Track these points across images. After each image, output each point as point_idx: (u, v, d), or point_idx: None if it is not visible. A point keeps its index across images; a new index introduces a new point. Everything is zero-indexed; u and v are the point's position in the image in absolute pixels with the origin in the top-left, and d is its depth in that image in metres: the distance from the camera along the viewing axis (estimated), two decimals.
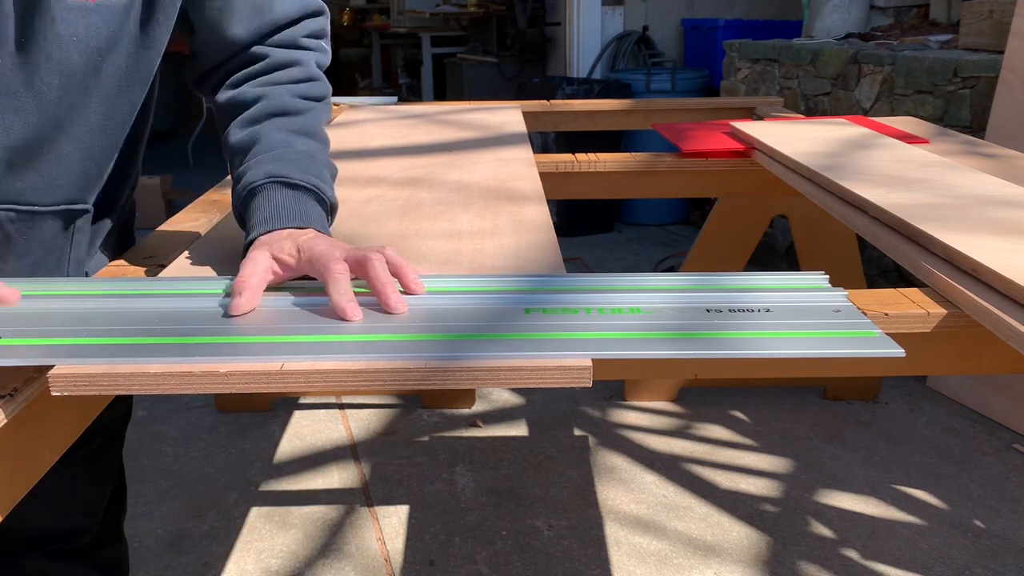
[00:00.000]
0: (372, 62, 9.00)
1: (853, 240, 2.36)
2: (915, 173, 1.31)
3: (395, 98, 2.69)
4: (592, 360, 0.65)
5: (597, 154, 1.77)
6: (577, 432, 2.37)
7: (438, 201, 1.18)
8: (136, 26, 0.83)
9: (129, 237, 1.09)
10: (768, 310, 0.76)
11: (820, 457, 2.23)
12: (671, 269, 3.60)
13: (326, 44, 1.01)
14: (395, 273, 0.76)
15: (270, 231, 0.81)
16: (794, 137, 1.63)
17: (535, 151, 1.58)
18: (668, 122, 2.19)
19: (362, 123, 1.93)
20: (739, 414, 2.45)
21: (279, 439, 2.35)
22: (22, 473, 0.70)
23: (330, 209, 0.88)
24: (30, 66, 0.78)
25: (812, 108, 3.24)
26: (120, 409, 1.13)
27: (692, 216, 4.41)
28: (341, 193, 0.93)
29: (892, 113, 2.84)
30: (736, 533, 1.93)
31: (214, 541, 1.93)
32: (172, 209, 4.41)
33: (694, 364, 1.03)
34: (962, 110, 2.61)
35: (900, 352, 0.69)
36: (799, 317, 0.75)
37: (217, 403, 2.52)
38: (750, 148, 1.68)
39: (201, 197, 1.42)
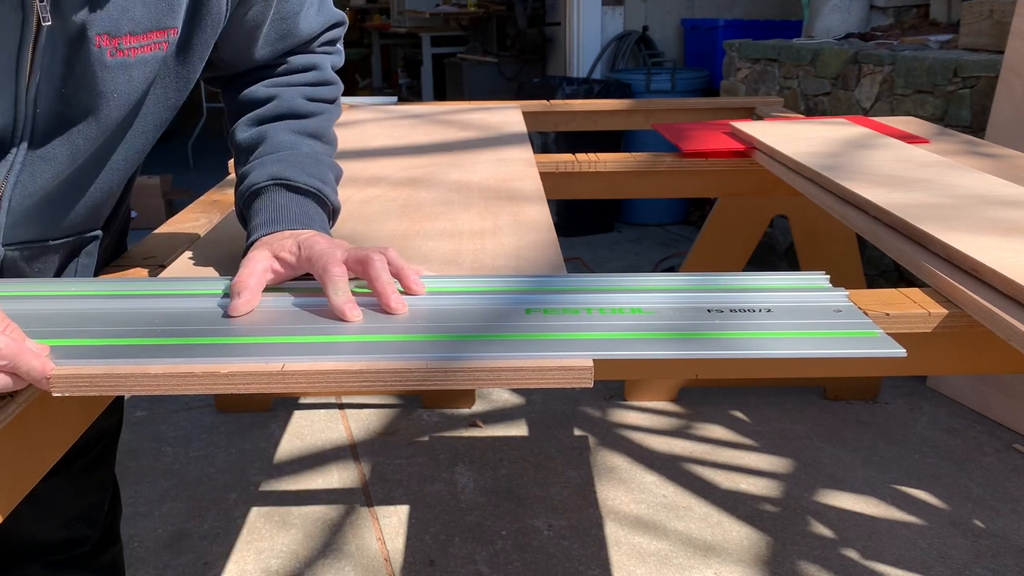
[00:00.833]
0: (372, 62, 9.00)
1: (853, 240, 2.36)
2: (915, 173, 1.31)
3: (395, 98, 2.69)
4: (593, 360, 0.65)
5: (597, 154, 1.77)
6: (577, 432, 2.37)
7: (438, 201, 1.18)
8: (172, 72, 0.83)
9: (122, 243, 1.08)
10: (769, 310, 0.76)
11: (820, 457, 2.23)
12: (671, 269, 3.60)
13: (340, 46, 1.02)
14: (396, 274, 0.76)
15: (271, 233, 0.81)
16: (794, 137, 1.63)
17: (535, 151, 1.58)
18: (668, 122, 2.19)
19: (362, 123, 1.93)
20: (739, 414, 2.45)
21: (279, 439, 2.35)
22: (23, 474, 0.70)
23: (332, 213, 0.88)
24: (68, 121, 0.77)
25: (812, 108, 3.24)
26: (117, 415, 1.13)
27: (692, 216, 4.41)
28: (342, 193, 0.93)
29: (892, 113, 2.84)
30: (736, 533, 1.93)
31: (214, 541, 1.93)
32: (172, 209, 4.41)
33: (694, 364, 1.03)
34: (962, 110, 2.61)
35: (901, 352, 0.69)
36: (800, 317, 0.75)
37: (217, 403, 2.52)
38: (750, 148, 1.68)
39: (201, 197, 1.42)
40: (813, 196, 1.35)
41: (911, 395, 2.54)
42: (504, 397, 2.58)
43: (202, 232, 1.16)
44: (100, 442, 1.09)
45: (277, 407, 2.52)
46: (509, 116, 2.01)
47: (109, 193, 0.87)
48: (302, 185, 0.84)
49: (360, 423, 2.43)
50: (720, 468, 2.19)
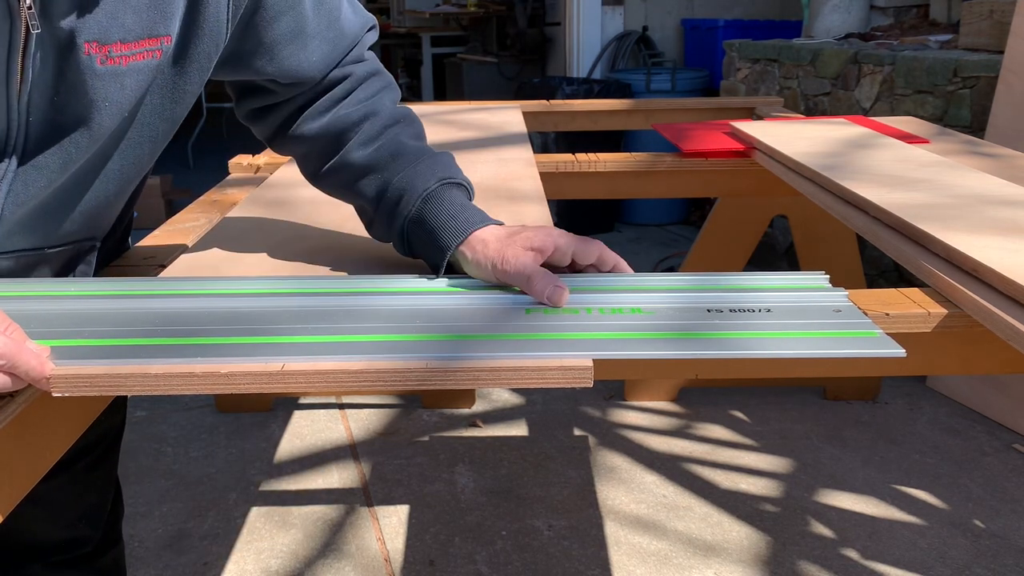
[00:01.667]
0: None
1: (853, 240, 2.36)
2: (915, 173, 1.31)
3: None
4: (593, 360, 0.65)
5: (597, 154, 1.77)
6: (577, 432, 2.37)
7: None
8: (168, 82, 0.81)
9: (123, 243, 1.08)
10: (769, 310, 0.76)
11: (820, 457, 2.23)
12: (671, 269, 3.60)
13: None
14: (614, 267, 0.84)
15: (480, 227, 0.83)
16: (794, 137, 1.63)
17: (535, 151, 1.58)
18: (668, 122, 2.19)
19: None
20: (739, 414, 2.45)
21: (279, 439, 2.35)
22: (23, 473, 0.70)
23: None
24: (60, 129, 0.76)
25: (812, 108, 3.24)
26: (120, 415, 1.13)
27: (692, 216, 4.41)
28: None
29: (892, 113, 2.84)
30: (736, 533, 1.93)
31: (214, 541, 1.93)
32: (172, 209, 4.41)
33: (694, 364, 1.03)
34: (962, 110, 2.61)
35: (901, 352, 0.69)
36: (800, 317, 0.75)
37: (217, 403, 2.52)
38: (750, 148, 1.68)
39: (201, 197, 1.42)
40: (813, 196, 1.35)
41: (911, 395, 2.54)
42: (504, 397, 2.58)
43: (202, 232, 1.16)
44: (102, 442, 1.09)
45: (277, 407, 2.52)
46: (509, 116, 2.01)
47: (105, 203, 0.86)
48: (462, 181, 0.88)
49: (360, 423, 2.43)
50: (720, 468, 2.19)
